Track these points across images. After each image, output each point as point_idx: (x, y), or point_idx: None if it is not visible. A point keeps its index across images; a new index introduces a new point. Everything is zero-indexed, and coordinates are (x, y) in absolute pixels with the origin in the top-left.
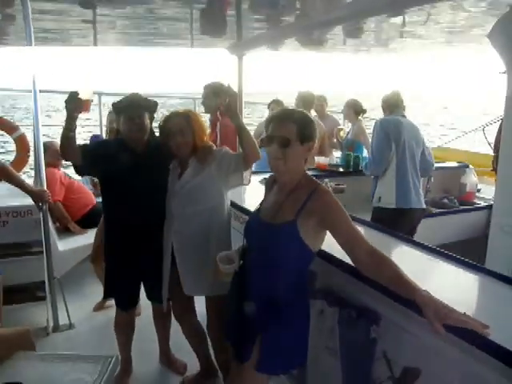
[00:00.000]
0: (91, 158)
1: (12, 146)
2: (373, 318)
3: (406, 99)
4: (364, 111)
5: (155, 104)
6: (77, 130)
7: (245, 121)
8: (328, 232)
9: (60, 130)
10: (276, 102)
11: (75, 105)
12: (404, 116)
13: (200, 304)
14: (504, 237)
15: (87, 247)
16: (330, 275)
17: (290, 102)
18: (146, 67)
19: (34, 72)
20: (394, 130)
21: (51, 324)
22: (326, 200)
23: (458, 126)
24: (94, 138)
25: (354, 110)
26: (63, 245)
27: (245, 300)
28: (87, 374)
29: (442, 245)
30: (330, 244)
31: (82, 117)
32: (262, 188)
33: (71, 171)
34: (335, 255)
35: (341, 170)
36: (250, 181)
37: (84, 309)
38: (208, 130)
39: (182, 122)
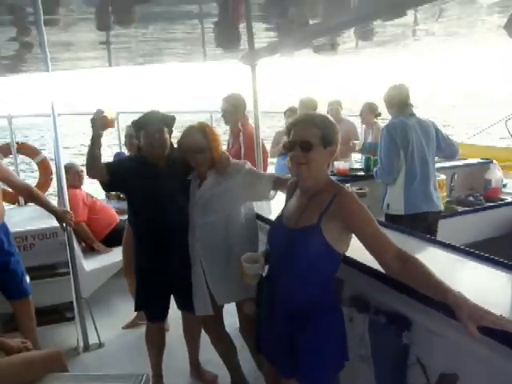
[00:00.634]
0: (116, 175)
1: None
2: (404, 323)
3: (424, 97)
4: (379, 114)
5: (173, 119)
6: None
7: (266, 131)
8: (354, 237)
9: (83, 150)
10: (292, 110)
11: (101, 123)
12: (413, 114)
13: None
14: None
15: (113, 266)
16: (357, 281)
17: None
18: (161, 84)
19: (52, 97)
20: (401, 135)
21: (81, 344)
22: (349, 203)
23: (479, 121)
24: (117, 155)
25: (372, 112)
26: (89, 265)
27: (275, 311)
28: None
29: (469, 244)
30: (355, 250)
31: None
32: (284, 196)
33: (93, 187)
34: (361, 261)
35: (362, 173)
36: (274, 197)
37: (113, 327)
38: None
39: (199, 138)
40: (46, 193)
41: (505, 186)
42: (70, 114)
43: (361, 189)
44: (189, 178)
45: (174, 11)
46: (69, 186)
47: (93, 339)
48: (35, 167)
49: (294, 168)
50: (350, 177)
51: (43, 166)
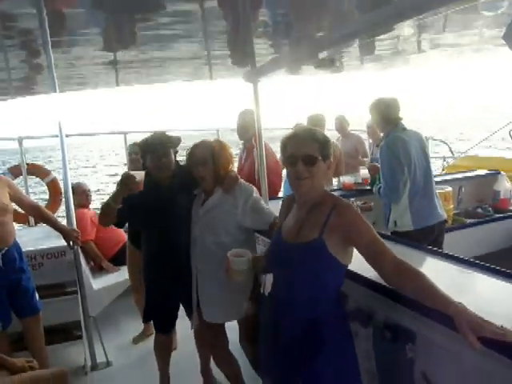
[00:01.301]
0: (125, 212)
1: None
2: (408, 337)
3: (440, 109)
4: None
5: (179, 140)
6: (103, 171)
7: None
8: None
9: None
10: (299, 126)
11: (131, 186)
12: (405, 128)
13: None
14: None
15: (121, 284)
16: (360, 296)
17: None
18: (167, 103)
19: (59, 118)
20: (403, 152)
21: (89, 363)
22: (348, 214)
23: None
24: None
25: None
26: (98, 283)
27: (278, 328)
28: None
29: (479, 256)
30: (358, 264)
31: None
32: None
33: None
34: (364, 275)
35: (367, 188)
36: None
37: (120, 346)
38: (235, 159)
39: (205, 152)
40: (57, 213)
41: None
42: (78, 134)
43: (365, 203)
44: (195, 193)
45: (177, 31)
46: (77, 206)
47: (100, 358)
48: (45, 188)
49: (294, 183)
50: (355, 191)
51: (53, 187)
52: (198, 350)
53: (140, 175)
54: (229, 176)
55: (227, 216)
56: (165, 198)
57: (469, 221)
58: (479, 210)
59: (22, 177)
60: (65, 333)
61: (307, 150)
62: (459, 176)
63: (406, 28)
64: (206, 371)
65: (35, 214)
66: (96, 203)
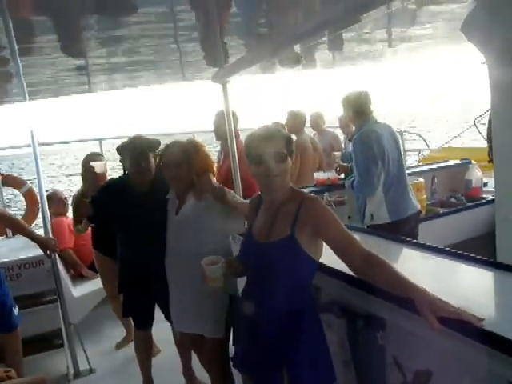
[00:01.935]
0: (100, 209)
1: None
2: (378, 324)
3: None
4: None
5: (158, 143)
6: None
7: None
8: None
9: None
10: (277, 124)
11: (92, 179)
12: (377, 121)
13: None
14: (510, 226)
15: (102, 291)
16: (332, 288)
17: None
18: (139, 107)
19: (31, 126)
20: (377, 145)
21: (71, 371)
22: (316, 207)
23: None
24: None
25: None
26: (78, 291)
27: (256, 326)
28: None
29: (453, 244)
30: (329, 256)
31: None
32: None
33: None
34: (336, 267)
35: (341, 182)
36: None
37: (103, 352)
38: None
39: (178, 154)
40: (35, 222)
41: (485, 185)
42: (50, 143)
43: (340, 197)
44: (167, 197)
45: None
46: (54, 214)
47: (83, 365)
48: (22, 198)
49: (264, 181)
50: (328, 186)
51: (29, 196)
52: (178, 351)
53: (101, 167)
54: (201, 180)
55: (202, 225)
56: (144, 202)
57: (442, 210)
58: (452, 200)
59: None
60: (46, 342)
61: (277, 147)
62: (432, 167)
63: (374, 21)
64: (187, 372)
65: (9, 226)
66: None
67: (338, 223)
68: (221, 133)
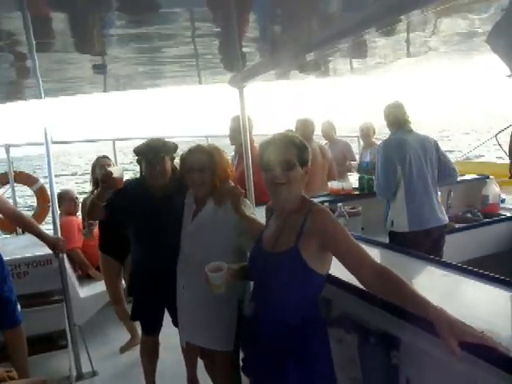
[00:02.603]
0: (114, 213)
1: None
2: (392, 343)
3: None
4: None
5: (175, 147)
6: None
7: None
8: None
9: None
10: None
11: (109, 183)
12: (410, 131)
13: None
14: None
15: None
16: (345, 302)
17: None
18: (157, 109)
19: (45, 124)
20: (397, 150)
21: (74, 373)
22: (323, 220)
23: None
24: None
25: (370, 132)
26: (85, 291)
27: (259, 333)
28: None
29: (468, 261)
30: (342, 269)
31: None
32: None
33: None
34: (348, 281)
35: (356, 192)
36: None
37: (107, 355)
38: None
39: (204, 159)
40: (45, 220)
41: (503, 201)
42: (64, 142)
43: (353, 208)
44: (185, 202)
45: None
46: (64, 213)
47: (86, 367)
48: (33, 195)
49: (271, 189)
50: (343, 196)
51: (41, 194)
52: (184, 358)
53: (118, 171)
54: (222, 187)
55: (217, 232)
56: (160, 205)
57: (458, 225)
58: (469, 215)
59: (8, 185)
60: (50, 342)
61: (284, 155)
62: None
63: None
64: (192, 379)
65: (19, 224)
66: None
67: (346, 236)
68: (236, 137)
